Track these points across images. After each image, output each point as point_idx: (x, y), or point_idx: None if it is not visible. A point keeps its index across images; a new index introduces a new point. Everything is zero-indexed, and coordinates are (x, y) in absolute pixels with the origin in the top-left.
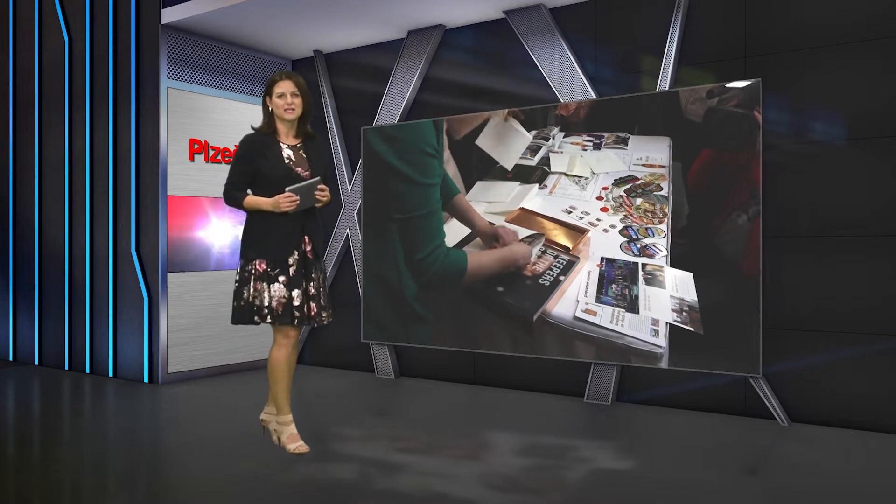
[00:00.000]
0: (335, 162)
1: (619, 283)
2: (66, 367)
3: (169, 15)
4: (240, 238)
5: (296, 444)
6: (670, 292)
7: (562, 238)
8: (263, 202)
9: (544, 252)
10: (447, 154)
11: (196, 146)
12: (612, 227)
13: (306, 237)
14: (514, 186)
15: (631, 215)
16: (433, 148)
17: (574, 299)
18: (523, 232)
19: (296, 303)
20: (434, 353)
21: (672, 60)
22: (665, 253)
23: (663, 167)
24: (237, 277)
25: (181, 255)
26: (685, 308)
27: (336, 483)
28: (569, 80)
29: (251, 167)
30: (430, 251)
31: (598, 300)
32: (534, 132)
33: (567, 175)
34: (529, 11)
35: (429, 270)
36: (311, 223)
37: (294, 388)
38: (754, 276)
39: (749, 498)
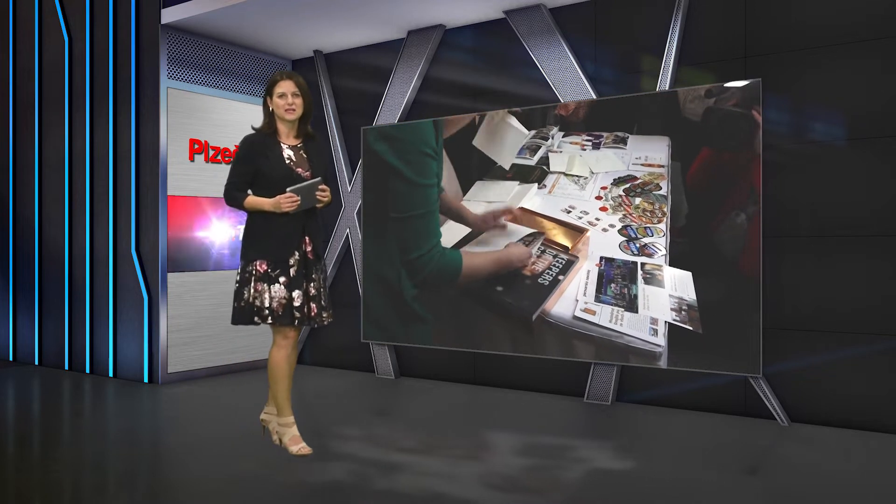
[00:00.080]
0: (335, 162)
1: (618, 282)
2: (66, 367)
3: (169, 15)
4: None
5: (298, 447)
6: (669, 291)
7: (561, 237)
8: (264, 202)
9: (543, 251)
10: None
11: (196, 146)
12: (612, 226)
13: (307, 237)
14: (514, 186)
15: (630, 215)
16: (432, 149)
17: (573, 299)
18: (519, 229)
19: (296, 303)
20: (434, 353)
21: (672, 60)
22: (664, 252)
23: (662, 167)
24: (238, 278)
25: (181, 255)
26: (684, 307)
27: (336, 483)
28: (569, 80)
29: (252, 167)
30: (426, 251)
31: (598, 299)
32: (533, 132)
33: (566, 174)
34: (529, 11)
35: (423, 270)
36: (311, 223)
37: (294, 388)
38: (753, 276)
39: (749, 498)
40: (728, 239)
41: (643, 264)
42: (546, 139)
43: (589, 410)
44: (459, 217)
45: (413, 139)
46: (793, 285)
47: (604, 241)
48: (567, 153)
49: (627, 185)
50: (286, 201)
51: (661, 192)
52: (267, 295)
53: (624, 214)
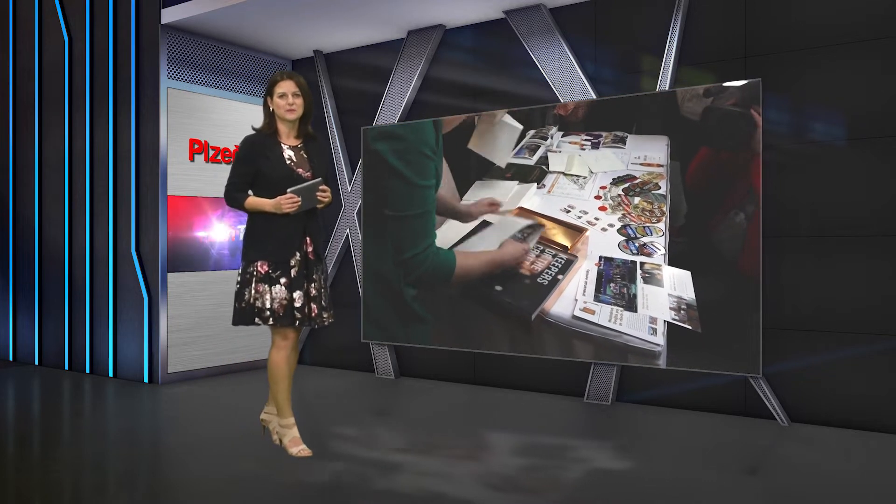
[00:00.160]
0: (335, 162)
1: (617, 281)
2: (66, 367)
3: (169, 15)
4: (239, 238)
5: (298, 448)
6: (668, 291)
7: (560, 237)
8: (265, 203)
9: (543, 251)
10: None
11: (196, 146)
12: (611, 225)
13: (308, 238)
14: (513, 186)
15: (629, 214)
16: (431, 150)
17: (572, 298)
18: (515, 223)
19: (297, 304)
20: (434, 353)
21: (672, 60)
22: (663, 251)
23: (661, 166)
24: (239, 279)
25: (181, 255)
26: (683, 306)
27: (336, 483)
28: (569, 80)
29: (252, 168)
30: (420, 251)
31: (597, 299)
32: (532, 131)
33: (565, 174)
34: (529, 11)
35: (417, 269)
36: (312, 224)
37: (294, 388)
38: (753, 275)
39: (749, 498)
40: (727, 238)
41: (642, 264)
42: (545, 139)
43: (589, 410)
44: (452, 211)
45: (413, 139)
46: (793, 285)
47: (603, 241)
48: (566, 153)
49: (626, 185)
50: (287, 202)
51: (660, 191)
52: (268, 296)
53: (623, 214)
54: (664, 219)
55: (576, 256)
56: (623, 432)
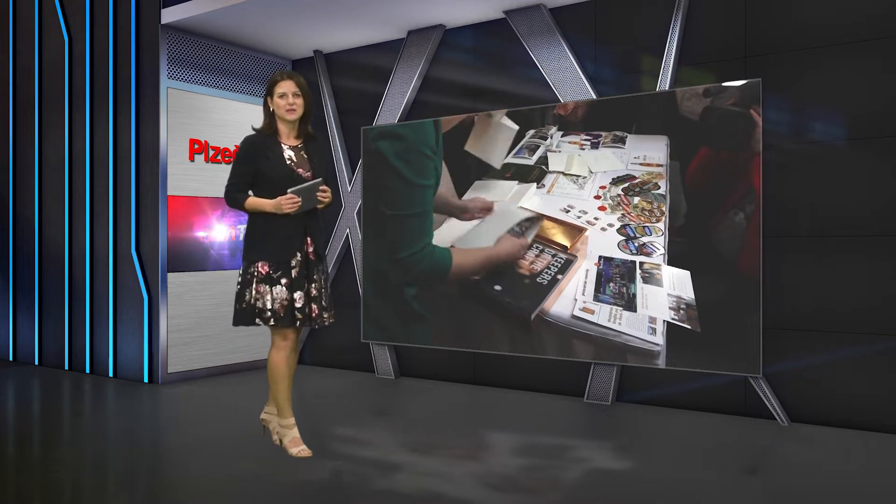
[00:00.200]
0: (335, 162)
1: (616, 281)
2: (66, 367)
3: (169, 15)
4: (239, 238)
5: (298, 448)
6: (667, 290)
7: (560, 237)
8: (265, 204)
9: (542, 251)
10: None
11: (196, 146)
12: (610, 225)
13: (309, 238)
14: (512, 185)
15: (629, 214)
16: (431, 150)
17: (572, 298)
18: (512, 216)
19: (298, 304)
20: (434, 353)
21: (672, 60)
22: (662, 251)
23: (661, 166)
24: (239, 279)
25: (181, 255)
26: (682, 306)
27: (336, 483)
28: (569, 80)
29: (252, 168)
30: (417, 250)
31: (596, 298)
32: (532, 131)
33: (565, 174)
34: (529, 11)
35: (414, 268)
36: (313, 224)
37: (294, 388)
38: (752, 275)
39: (749, 498)
40: (727, 238)
41: (642, 263)
42: (545, 139)
43: (589, 410)
44: (449, 209)
45: (413, 139)
46: (793, 285)
47: (602, 241)
48: (566, 153)
49: (626, 185)
50: (287, 202)
51: (660, 191)
52: (269, 297)
53: (622, 214)
54: (663, 219)
55: (575, 256)
56: (623, 432)
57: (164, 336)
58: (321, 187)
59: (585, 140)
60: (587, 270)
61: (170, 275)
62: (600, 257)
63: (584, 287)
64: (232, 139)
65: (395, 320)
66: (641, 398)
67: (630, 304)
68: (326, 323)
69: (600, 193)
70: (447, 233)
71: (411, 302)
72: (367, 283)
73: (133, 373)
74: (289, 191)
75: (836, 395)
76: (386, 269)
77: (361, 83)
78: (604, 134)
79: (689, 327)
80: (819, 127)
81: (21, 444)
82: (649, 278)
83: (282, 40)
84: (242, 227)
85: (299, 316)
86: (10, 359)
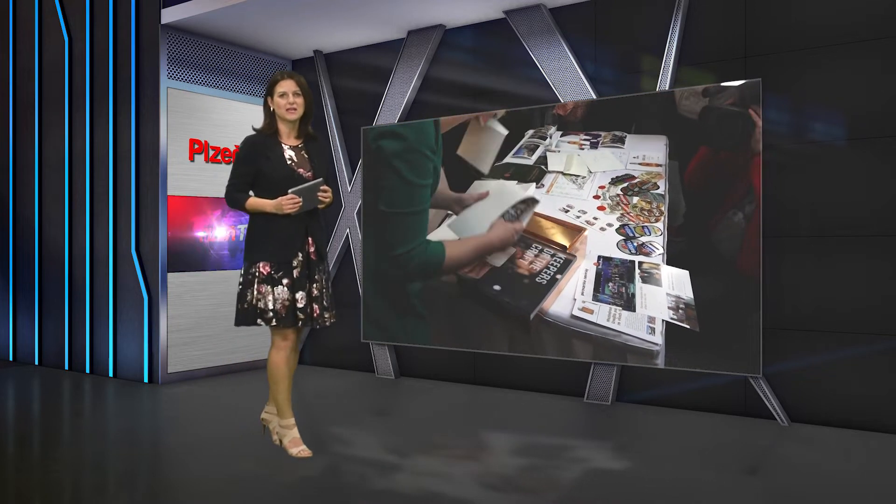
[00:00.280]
0: (335, 162)
1: (615, 281)
2: (66, 367)
3: (169, 15)
4: (239, 238)
5: (298, 449)
6: (667, 290)
7: (559, 237)
8: (266, 204)
9: (541, 251)
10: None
11: (196, 146)
12: (609, 225)
13: (310, 238)
14: (511, 185)
15: (628, 214)
16: (431, 150)
17: (571, 298)
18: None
19: (299, 304)
20: (434, 353)
21: (672, 60)
22: (661, 251)
23: (660, 165)
24: (241, 280)
25: (181, 255)
26: (681, 306)
27: (336, 483)
28: (569, 80)
29: (253, 168)
30: (412, 248)
31: (595, 298)
32: (531, 131)
33: (564, 174)
34: (529, 11)
35: (408, 265)
36: (314, 224)
37: (294, 388)
38: (752, 275)
39: (749, 498)
40: (726, 238)
41: (641, 263)
42: (544, 139)
43: (589, 410)
44: (446, 202)
45: (413, 139)
46: (793, 285)
47: (601, 240)
48: (565, 153)
49: (625, 185)
50: (288, 202)
51: (659, 191)
52: (270, 297)
53: (622, 213)
54: (662, 218)
55: (574, 256)
56: (623, 432)
57: (164, 336)
58: (322, 187)
59: (584, 140)
60: (586, 270)
61: (170, 275)
62: (599, 257)
63: (584, 287)
64: (232, 139)
65: (396, 320)
66: (641, 398)
67: (629, 304)
68: (328, 323)
69: (599, 193)
70: (441, 235)
71: (414, 300)
72: (367, 283)
73: (133, 373)
74: (290, 191)
75: (836, 395)
76: (385, 268)
77: (361, 83)
78: (603, 134)
79: (687, 327)
80: (819, 127)
81: (21, 444)
82: (648, 278)
83: (282, 40)
84: (242, 228)
85: (301, 316)
86: (10, 359)
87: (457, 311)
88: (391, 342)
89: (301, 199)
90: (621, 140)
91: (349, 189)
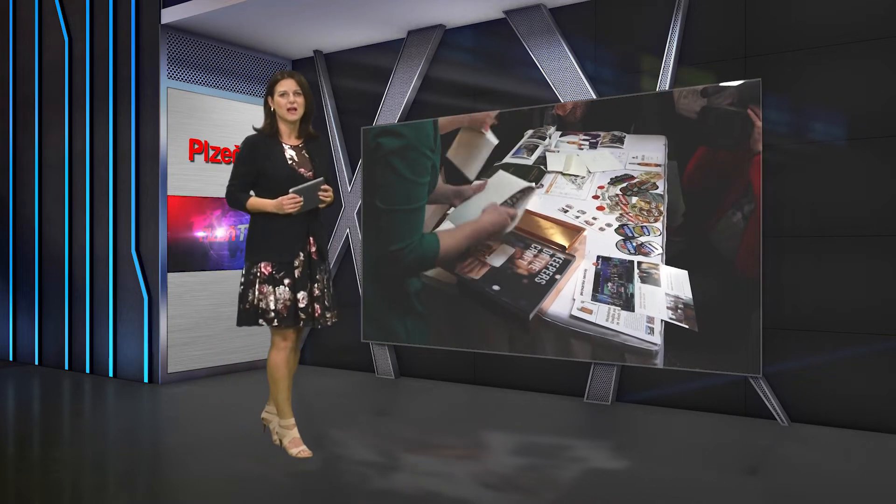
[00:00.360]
0: (335, 162)
1: (614, 281)
2: (66, 367)
3: (169, 15)
4: (239, 238)
5: (298, 449)
6: (665, 290)
7: (558, 237)
8: (267, 204)
9: (541, 251)
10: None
11: (196, 146)
12: (608, 225)
13: (311, 238)
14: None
15: (627, 213)
16: (430, 149)
17: (570, 298)
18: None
19: (301, 304)
20: (434, 353)
21: (672, 60)
22: (660, 251)
23: (659, 165)
24: (242, 280)
25: (181, 255)
26: (680, 306)
27: (335, 483)
28: (569, 80)
29: (253, 168)
30: (408, 244)
31: (594, 298)
32: (530, 131)
33: (563, 174)
34: (529, 11)
35: (403, 261)
36: (315, 224)
37: (294, 388)
38: (750, 275)
39: (749, 498)
40: (725, 238)
41: (640, 263)
42: (543, 139)
43: (589, 410)
44: (444, 196)
45: (413, 138)
46: (793, 285)
47: (601, 240)
48: (564, 153)
49: (624, 185)
50: (289, 202)
51: (658, 190)
52: (272, 297)
53: (621, 213)
54: (661, 218)
55: (573, 256)
56: (623, 432)
57: (164, 336)
58: (323, 187)
59: (584, 140)
60: (585, 270)
61: (170, 275)
62: (598, 257)
63: (583, 287)
64: (232, 139)
65: (396, 320)
66: (641, 398)
67: (628, 304)
68: (329, 323)
69: (598, 193)
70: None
71: (414, 300)
72: (367, 283)
73: (133, 373)
74: (291, 190)
75: (836, 395)
76: (385, 267)
77: (361, 83)
78: (602, 134)
79: (686, 327)
80: (819, 127)
81: (21, 444)
82: (647, 278)
83: (282, 40)
84: (242, 228)
85: (303, 316)
86: (10, 359)
87: (456, 311)
88: (391, 342)
89: (302, 199)
90: (620, 140)
91: (349, 189)
